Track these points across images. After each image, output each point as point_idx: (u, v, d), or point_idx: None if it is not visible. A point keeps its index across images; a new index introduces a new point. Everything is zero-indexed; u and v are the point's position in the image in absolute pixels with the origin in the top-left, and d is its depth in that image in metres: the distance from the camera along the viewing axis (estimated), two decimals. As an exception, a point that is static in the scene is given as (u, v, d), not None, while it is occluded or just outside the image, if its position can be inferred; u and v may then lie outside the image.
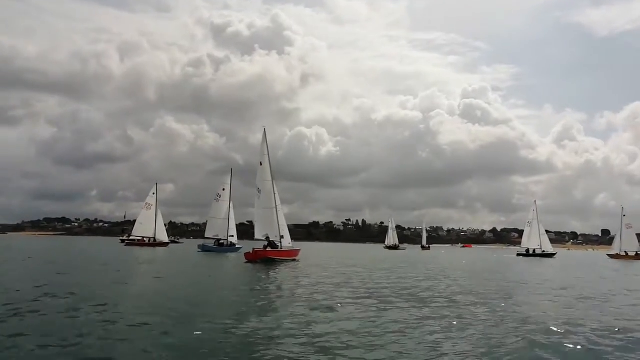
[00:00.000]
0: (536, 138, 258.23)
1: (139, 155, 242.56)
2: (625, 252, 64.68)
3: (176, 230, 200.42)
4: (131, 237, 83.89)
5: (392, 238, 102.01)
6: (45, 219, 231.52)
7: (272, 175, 33.72)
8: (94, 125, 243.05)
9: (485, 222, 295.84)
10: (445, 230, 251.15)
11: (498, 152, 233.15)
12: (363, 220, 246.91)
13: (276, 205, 32.97)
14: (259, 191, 32.73)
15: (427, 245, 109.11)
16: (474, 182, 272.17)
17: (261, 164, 33.51)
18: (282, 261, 31.31)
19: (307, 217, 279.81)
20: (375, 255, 59.66)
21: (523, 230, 70.42)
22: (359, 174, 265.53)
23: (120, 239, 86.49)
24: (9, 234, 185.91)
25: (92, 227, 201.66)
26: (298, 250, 35.45)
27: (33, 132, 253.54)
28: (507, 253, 79.60)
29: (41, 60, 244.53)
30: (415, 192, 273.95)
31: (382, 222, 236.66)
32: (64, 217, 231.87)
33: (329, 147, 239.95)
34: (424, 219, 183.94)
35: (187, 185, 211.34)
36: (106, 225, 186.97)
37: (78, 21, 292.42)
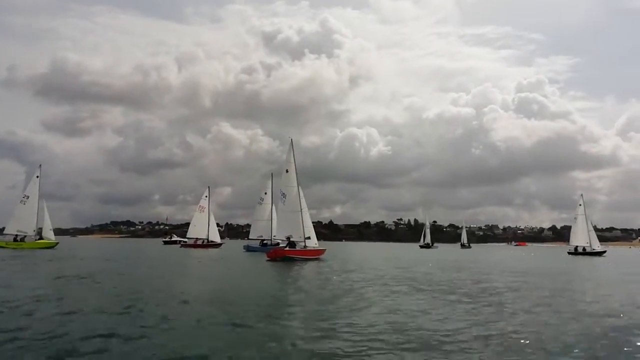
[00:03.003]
0: (598, 131, 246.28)
1: (197, 161, 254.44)
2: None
3: (232, 232, 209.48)
4: (173, 239, 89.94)
5: (427, 237, 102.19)
6: (112, 222, 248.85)
7: (297, 181, 36.50)
8: (155, 133, 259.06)
9: (544, 219, 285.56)
10: (501, 228, 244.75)
11: (557, 146, 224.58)
12: (415, 219, 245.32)
13: (301, 209, 35.65)
14: (284, 196, 35.62)
15: (467, 244, 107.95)
16: (531, 179, 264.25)
17: (287, 171, 36.39)
18: (303, 260, 33.77)
19: (360, 217, 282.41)
20: (402, 254, 60.13)
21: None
22: (410, 173, 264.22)
23: (163, 240, 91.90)
24: (79, 236, 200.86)
25: (154, 230, 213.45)
26: (322, 250, 37.74)
27: (101, 141, 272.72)
28: (564, 251, 77.71)
29: (106, 74, 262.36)
30: (469, 190, 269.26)
31: (435, 221, 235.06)
32: (128, 221, 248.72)
33: (379, 147, 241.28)
34: (460, 217, 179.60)
35: (243, 188, 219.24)
36: (167, 227, 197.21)
37: (138, 36, 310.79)
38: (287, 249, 35.33)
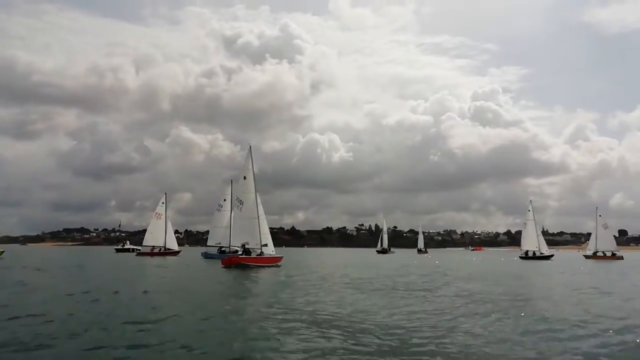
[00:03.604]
0: (549, 139, 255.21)
1: (155, 165, 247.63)
2: (602, 252, 66.20)
3: (191, 238, 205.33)
4: (126, 247, 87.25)
5: (384, 242, 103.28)
6: (65, 230, 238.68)
7: (255, 188, 36.09)
8: (111, 137, 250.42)
9: (499, 224, 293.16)
10: (459, 233, 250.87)
11: (510, 154, 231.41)
12: (376, 224, 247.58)
13: (258, 216, 35.25)
14: (241, 202, 35.13)
15: (424, 249, 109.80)
16: (487, 185, 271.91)
17: (245, 178, 35.95)
18: (258, 267, 33.44)
19: (322, 222, 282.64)
20: (354, 260, 60.32)
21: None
22: (372, 178, 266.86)
23: (115, 248, 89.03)
24: (30, 244, 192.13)
25: (110, 237, 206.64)
26: (279, 258, 37.48)
27: (53, 144, 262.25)
28: (517, 255, 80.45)
29: (58, 75, 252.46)
30: (428, 196, 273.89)
31: (395, 227, 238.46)
32: (82, 228, 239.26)
33: (341, 153, 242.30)
34: (420, 222, 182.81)
35: (203, 194, 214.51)
36: (123, 234, 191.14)
37: (92, 36, 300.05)
38: (242, 256, 34.86)
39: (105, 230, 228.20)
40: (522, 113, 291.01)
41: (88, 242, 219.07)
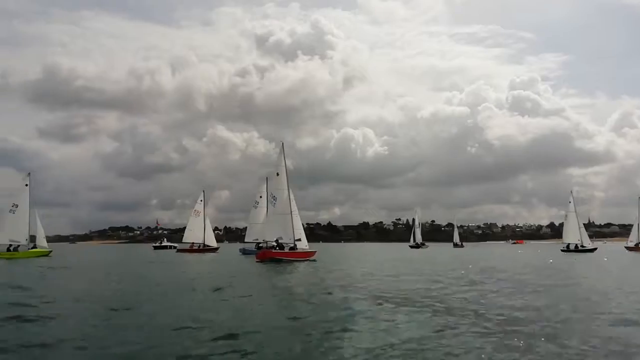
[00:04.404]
0: (592, 127, 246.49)
1: (194, 164, 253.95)
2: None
3: (231, 235, 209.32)
4: (163, 244, 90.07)
5: (417, 236, 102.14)
6: (110, 228, 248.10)
7: (288, 184, 36.70)
8: (151, 137, 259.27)
9: (542, 217, 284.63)
10: (500, 226, 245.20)
11: (552, 144, 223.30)
12: (413, 219, 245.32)
13: (292, 211, 35.83)
14: (274, 198, 35.82)
15: (460, 243, 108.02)
16: (528, 176, 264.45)
17: (278, 175, 36.66)
18: (291, 261, 34.05)
19: (359, 217, 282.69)
20: (384, 255, 60.20)
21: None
22: (407, 172, 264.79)
23: (153, 246, 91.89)
24: (78, 243, 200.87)
25: (152, 235, 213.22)
26: (311, 252, 37.95)
27: (97, 147, 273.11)
28: (558, 248, 77.86)
29: (99, 79, 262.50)
30: (466, 189, 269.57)
31: (433, 221, 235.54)
32: (127, 226, 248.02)
33: (376, 147, 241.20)
34: (457, 216, 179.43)
35: (240, 191, 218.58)
36: (165, 232, 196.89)
37: (130, 40, 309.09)
38: (275, 250, 35.57)
39: (148, 228, 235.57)
40: (563, 101, 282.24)
41: (132, 240, 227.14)
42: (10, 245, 45.10)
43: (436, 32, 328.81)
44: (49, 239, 51.29)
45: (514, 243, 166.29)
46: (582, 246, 63.52)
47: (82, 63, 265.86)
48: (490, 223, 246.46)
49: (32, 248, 45.99)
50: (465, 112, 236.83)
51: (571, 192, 68.19)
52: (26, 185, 46.53)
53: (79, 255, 60.42)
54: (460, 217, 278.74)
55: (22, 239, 45.33)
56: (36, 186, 48.25)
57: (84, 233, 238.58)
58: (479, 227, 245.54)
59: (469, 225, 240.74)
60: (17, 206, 45.27)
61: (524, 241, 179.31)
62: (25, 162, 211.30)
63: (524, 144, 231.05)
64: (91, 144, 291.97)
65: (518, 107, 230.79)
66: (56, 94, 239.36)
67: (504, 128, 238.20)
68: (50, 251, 47.37)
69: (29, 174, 47.96)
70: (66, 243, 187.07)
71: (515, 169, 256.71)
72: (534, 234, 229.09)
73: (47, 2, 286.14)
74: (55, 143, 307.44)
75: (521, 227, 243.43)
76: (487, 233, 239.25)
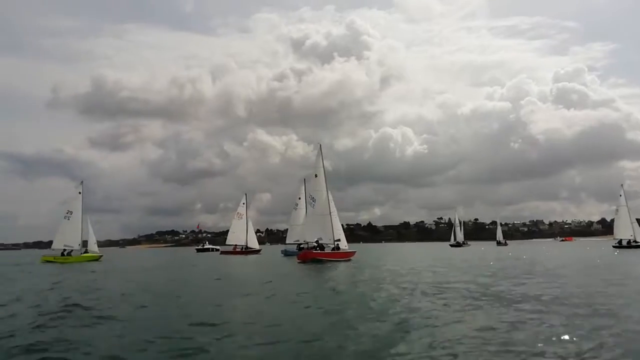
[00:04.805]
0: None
1: (235, 169, 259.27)
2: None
3: (272, 237, 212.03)
4: (205, 247, 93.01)
5: (457, 235, 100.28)
6: (158, 232, 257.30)
7: (326, 185, 37.02)
8: (193, 144, 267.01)
9: (593, 212, 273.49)
10: (547, 223, 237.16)
11: (600, 136, 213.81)
12: (458, 218, 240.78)
13: (331, 212, 36.10)
14: (313, 200, 36.20)
15: (503, 241, 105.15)
16: (576, 171, 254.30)
17: (316, 176, 37.07)
18: (332, 262, 34.31)
19: (399, 217, 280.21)
20: (423, 255, 58.97)
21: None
22: (448, 170, 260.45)
23: (196, 248, 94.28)
24: (128, 247, 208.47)
25: (197, 238, 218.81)
26: (351, 253, 38.08)
27: (143, 154, 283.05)
28: (610, 245, 74.33)
29: (143, 89, 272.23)
30: (510, 185, 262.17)
31: (476, 219, 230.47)
32: (172, 230, 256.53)
33: (415, 146, 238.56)
34: (501, 213, 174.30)
35: (281, 194, 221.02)
36: (209, 235, 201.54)
37: (170, 50, 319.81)
38: (315, 251, 36.02)
39: (192, 231, 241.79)
40: (612, 91, 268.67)
41: (178, 243, 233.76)
42: (65, 250, 47.47)
43: (474, 26, 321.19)
44: (100, 244, 53.60)
45: (562, 240, 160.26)
46: (635, 242, 60.61)
47: (126, 74, 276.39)
48: (537, 220, 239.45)
49: (84, 253, 48.26)
50: (507, 107, 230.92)
51: (622, 185, 65.18)
52: (79, 193, 48.92)
53: (126, 259, 62.62)
54: (505, 214, 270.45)
55: (75, 244, 47.65)
56: (88, 194, 50.59)
57: (132, 237, 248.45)
58: (524, 224, 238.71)
59: (514, 223, 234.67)
60: (71, 213, 47.71)
61: (573, 238, 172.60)
62: (77, 171, 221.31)
63: (570, 137, 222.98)
64: (137, 152, 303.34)
65: (563, 99, 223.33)
66: (104, 105, 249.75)
67: (549, 122, 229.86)
68: (101, 256, 49.53)
69: (82, 182, 50.43)
70: (116, 247, 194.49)
71: (562, 164, 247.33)
72: (584, 230, 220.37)
73: (95, 17, 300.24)
74: (104, 152, 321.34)
75: (570, 223, 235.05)
76: (534, 230, 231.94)
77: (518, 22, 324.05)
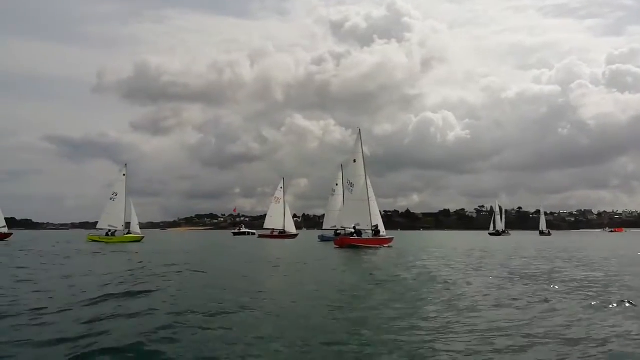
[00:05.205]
0: None
1: (273, 154, 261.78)
2: None
3: (309, 222, 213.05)
4: (242, 230, 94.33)
5: (497, 223, 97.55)
6: (197, 216, 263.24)
7: (365, 171, 36.28)
8: (232, 128, 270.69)
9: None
10: (595, 213, 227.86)
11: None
12: (499, 206, 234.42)
13: (369, 198, 35.42)
14: (351, 185, 35.57)
15: (547, 231, 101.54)
16: (628, 158, 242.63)
17: (355, 161, 36.37)
18: (368, 248, 33.66)
19: (439, 204, 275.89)
20: (457, 242, 57.65)
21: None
22: (491, 157, 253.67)
23: (233, 232, 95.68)
24: (168, 229, 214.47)
25: (235, 221, 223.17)
26: (388, 239, 37.19)
27: (183, 138, 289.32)
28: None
29: (184, 74, 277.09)
30: (557, 173, 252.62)
31: (520, 207, 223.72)
32: (211, 213, 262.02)
33: (457, 131, 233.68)
34: (546, 202, 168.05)
35: (318, 179, 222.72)
36: (247, 219, 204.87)
37: (210, 35, 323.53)
38: (352, 237, 35.57)
39: (231, 215, 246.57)
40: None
41: (217, 226, 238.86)
42: (109, 230, 48.89)
43: (522, 5, 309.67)
44: (142, 226, 54.91)
45: (612, 231, 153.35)
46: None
47: (167, 59, 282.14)
48: (585, 210, 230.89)
49: (127, 234, 49.54)
50: (555, 91, 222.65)
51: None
52: (123, 175, 50.15)
53: (167, 241, 63.97)
54: (551, 203, 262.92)
55: (119, 225, 48.98)
56: (131, 176, 51.73)
57: (172, 220, 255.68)
58: (571, 214, 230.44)
59: (560, 212, 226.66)
60: (116, 194, 49.06)
61: (624, 229, 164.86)
62: (121, 155, 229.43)
63: (624, 122, 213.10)
64: (178, 136, 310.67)
65: (617, 82, 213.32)
66: (146, 90, 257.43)
67: (601, 106, 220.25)
68: (143, 237, 50.69)
69: (126, 165, 51.71)
70: (157, 230, 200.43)
71: (613, 151, 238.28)
72: (636, 221, 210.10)
73: (137, 3, 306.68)
74: (146, 136, 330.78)
75: (621, 214, 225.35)
76: (581, 220, 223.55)
77: (569, 0, 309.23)
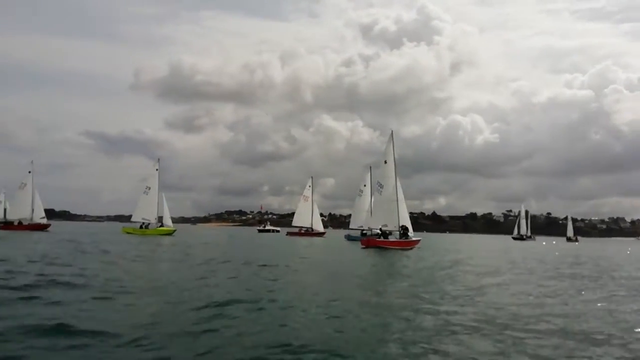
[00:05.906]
0: None
1: (302, 153, 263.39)
2: None
3: (335, 221, 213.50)
4: (267, 228, 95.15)
5: (522, 228, 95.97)
6: (226, 212, 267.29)
7: (395, 172, 36.51)
8: (262, 128, 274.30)
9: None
10: (629, 221, 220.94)
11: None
12: (526, 210, 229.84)
13: (397, 199, 35.65)
14: (381, 186, 35.90)
15: (574, 237, 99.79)
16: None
17: (385, 162, 36.65)
18: (395, 249, 33.73)
19: (466, 208, 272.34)
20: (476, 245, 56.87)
21: None
22: (521, 161, 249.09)
23: (258, 229, 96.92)
24: (199, 224, 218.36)
25: (263, 218, 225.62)
26: (415, 241, 37.10)
27: (215, 136, 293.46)
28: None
29: (217, 74, 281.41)
30: (589, 179, 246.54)
31: (549, 213, 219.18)
32: (240, 210, 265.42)
33: (485, 135, 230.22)
34: (576, 208, 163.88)
35: (345, 179, 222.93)
36: (275, 216, 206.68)
37: (243, 36, 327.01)
38: (379, 239, 35.83)
39: (259, 212, 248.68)
40: None
41: (245, 223, 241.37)
42: (143, 223, 50.48)
43: (554, 9, 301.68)
44: (174, 220, 56.46)
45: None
46: None
47: (201, 59, 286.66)
48: (617, 217, 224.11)
49: (159, 227, 51.06)
50: (588, 96, 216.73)
51: None
52: (156, 170, 51.72)
53: (197, 235, 65.36)
54: (582, 210, 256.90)
55: (152, 218, 50.56)
56: (164, 172, 53.35)
57: (203, 215, 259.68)
58: (602, 221, 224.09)
59: (591, 219, 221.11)
60: (149, 189, 50.67)
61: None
62: (156, 151, 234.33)
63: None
64: (210, 134, 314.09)
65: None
66: (180, 89, 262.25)
67: (636, 112, 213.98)
68: (175, 230, 52.14)
69: (159, 160, 53.35)
70: (188, 224, 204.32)
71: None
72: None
73: (174, 4, 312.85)
74: (179, 133, 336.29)
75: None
76: (613, 228, 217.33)
77: (605, 4, 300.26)
